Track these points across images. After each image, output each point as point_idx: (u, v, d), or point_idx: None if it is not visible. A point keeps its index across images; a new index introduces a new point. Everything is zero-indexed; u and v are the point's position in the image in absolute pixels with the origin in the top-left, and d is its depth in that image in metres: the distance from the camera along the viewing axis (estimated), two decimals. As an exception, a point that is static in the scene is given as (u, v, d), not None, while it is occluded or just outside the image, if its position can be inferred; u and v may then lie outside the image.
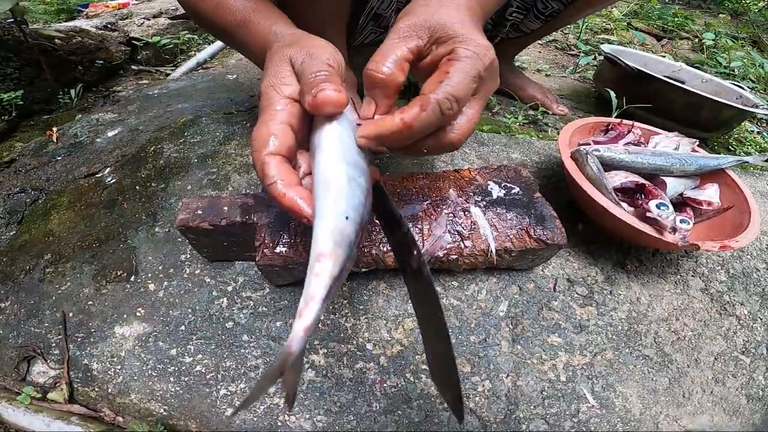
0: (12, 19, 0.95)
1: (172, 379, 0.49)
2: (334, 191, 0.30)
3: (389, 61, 0.36)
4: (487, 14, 0.47)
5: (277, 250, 0.46)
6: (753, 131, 1.18)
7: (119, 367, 0.51)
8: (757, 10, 2.39)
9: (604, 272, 0.61)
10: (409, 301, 0.55)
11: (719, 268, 0.66)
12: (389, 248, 0.48)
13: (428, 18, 0.37)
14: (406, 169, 0.73)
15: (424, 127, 0.34)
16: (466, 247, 0.49)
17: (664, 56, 1.31)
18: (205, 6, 0.52)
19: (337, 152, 0.33)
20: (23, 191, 0.73)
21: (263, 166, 0.32)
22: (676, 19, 1.92)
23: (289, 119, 0.35)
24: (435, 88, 0.33)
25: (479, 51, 0.35)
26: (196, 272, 0.58)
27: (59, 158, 0.80)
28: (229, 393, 0.48)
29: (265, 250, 0.46)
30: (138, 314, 0.54)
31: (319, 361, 0.50)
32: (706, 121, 0.94)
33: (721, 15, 2.30)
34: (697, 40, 1.77)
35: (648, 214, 0.52)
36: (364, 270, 0.51)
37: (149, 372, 0.50)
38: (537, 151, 0.82)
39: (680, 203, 0.63)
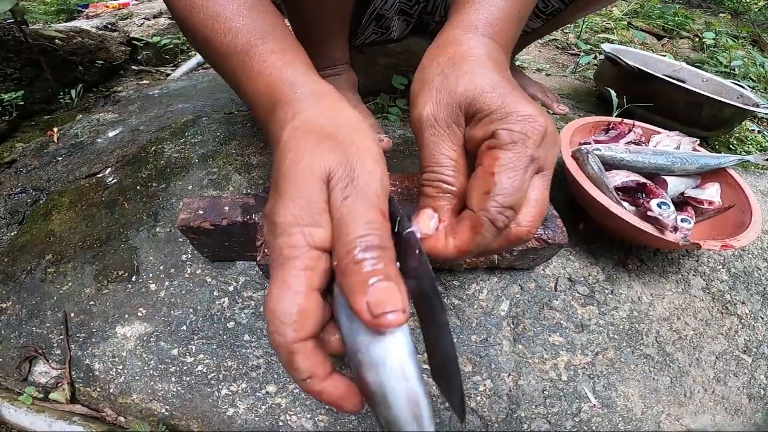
0: (12, 20, 0.95)
1: (173, 379, 0.49)
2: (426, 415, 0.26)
3: (449, 169, 0.31)
4: (510, 48, 0.40)
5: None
6: (754, 130, 1.18)
7: (121, 367, 0.51)
8: (757, 10, 2.39)
9: (605, 271, 0.61)
10: (411, 300, 0.55)
11: (720, 267, 0.66)
12: (390, 248, 0.48)
13: (454, 93, 0.32)
14: (407, 168, 0.73)
15: (481, 248, 0.30)
16: (467, 246, 0.49)
17: (664, 55, 1.31)
18: (198, 17, 0.38)
19: (413, 366, 0.26)
20: (24, 191, 0.73)
21: (290, 357, 0.24)
22: (676, 18, 1.92)
23: (319, 283, 0.26)
24: (484, 202, 0.28)
25: (525, 129, 0.29)
26: (197, 272, 0.58)
27: (60, 158, 0.80)
28: (230, 393, 0.48)
29: (266, 250, 0.46)
30: (139, 314, 0.54)
31: (321, 361, 0.50)
32: (706, 120, 0.94)
33: (721, 14, 2.30)
34: (697, 39, 1.77)
35: (649, 213, 0.52)
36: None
37: (151, 372, 0.50)
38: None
39: (681, 202, 0.63)
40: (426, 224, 0.31)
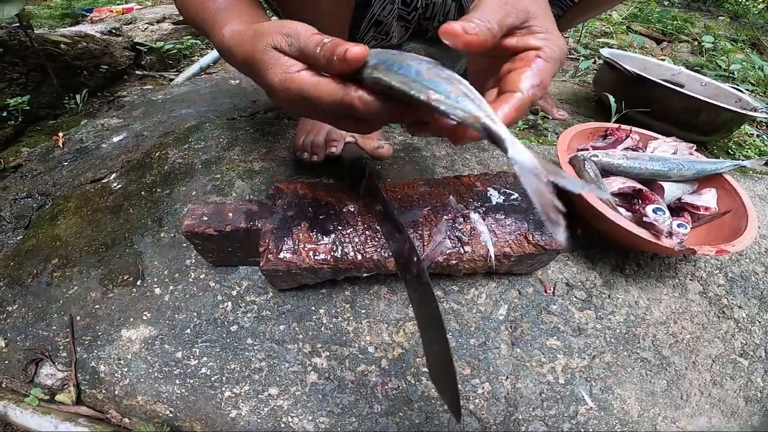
0: (18, 24, 0.96)
1: (177, 381, 0.50)
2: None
3: (490, 22, 0.36)
4: None
5: (281, 255, 0.47)
6: (753, 134, 1.18)
7: (126, 369, 0.52)
8: (756, 12, 2.40)
9: (602, 276, 0.62)
10: (410, 305, 0.56)
11: (717, 271, 0.67)
12: (390, 254, 0.49)
13: (517, 4, 0.38)
14: (407, 175, 0.74)
15: (517, 118, 0.36)
16: (465, 252, 0.50)
17: (663, 59, 1.32)
18: (191, 9, 0.50)
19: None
20: (30, 196, 0.75)
21: (350, 106, 0.34)
22: (675, 21, 1.93)
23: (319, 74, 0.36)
24: (532, 89, 0.35)
25: (561, 55, 0.38)
26: (201, 277, 0.59)
27: (65, 163, 0.81)
28: (233, 395, 0.49)
29: (269, 256, 0.47)
30: (144, 318, 0.55)
31: (322, 364, 0.51)
32: (704, 125, 0.95)
33: (720, 17, 2.30)
34: (696, 42, 1.77)
35: (645, 219, 0.53)
36: (365, 275, 0.52)
37: (155, 374, 0.51)
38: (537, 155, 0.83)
39: (678, 208, 0.64)
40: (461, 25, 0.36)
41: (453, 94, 0.31)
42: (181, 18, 1.53)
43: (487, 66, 0.41)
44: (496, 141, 0.29)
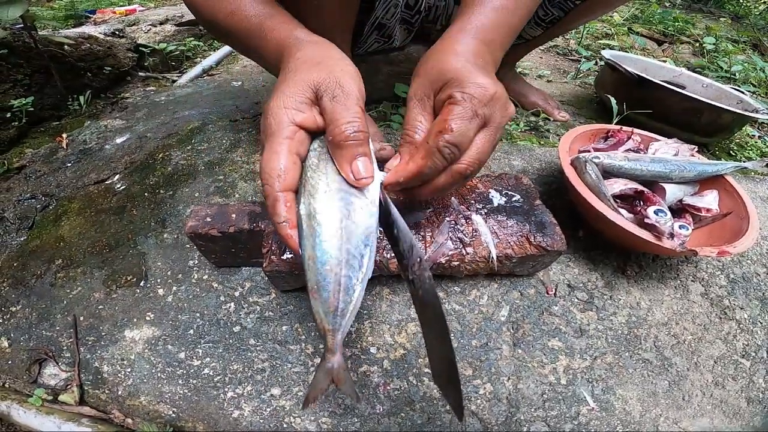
0: (22, 25, 0.96)
1: (180, 381, 0.51)
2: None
3: (420, 129, 0.41)
4: (499, 49, 0.48)
5: (284, 257, 0.48)
6: (754, 136, 1.18)
7: (129, 369, 0.52)
8: (757, 13, 2.40)
9: (604, 277, 0.62)
10: (412, 306, 0.56)
11: (719, 273, 0.67)
12: (392, 255, 0.49)
13: (431, 73, 0.41)
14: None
15: (432, 170, 0.39)
16: (467, 253, 0.50)
17: (665, 61, 1.32)
18: (219, 14, 0.52)
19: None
20: (34, 197, 0.75)
21: (275, 203, 0.35)
22: (676, 23, 1.93)
23: (297, 149, 0.37)
24: (436, 138, 0.37)
25: (475, 91, 0.38)
26: (204, 278, 0.59)
27: (69, 165, 0.82)
28: (236, 395, 0.49)
29: (272, 257, 0.48)
30: (147, 318, 0.56)
31: (324, 365, 0.51)
32: (706, 126, 0.95)
33: (721, 18, 2.30)
34: (697, 44, 1.77)
35: (646, 221, 0.53)
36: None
37: (158, 375, 0.51)
38: (538, 157, 0.83)
39: (680, 209, 0.64)
40: (395, 163, 0.41)
41: (329, 300, 0.35)
42: (183, 20, 1.54)
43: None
44: (324, 345, 0.35)
